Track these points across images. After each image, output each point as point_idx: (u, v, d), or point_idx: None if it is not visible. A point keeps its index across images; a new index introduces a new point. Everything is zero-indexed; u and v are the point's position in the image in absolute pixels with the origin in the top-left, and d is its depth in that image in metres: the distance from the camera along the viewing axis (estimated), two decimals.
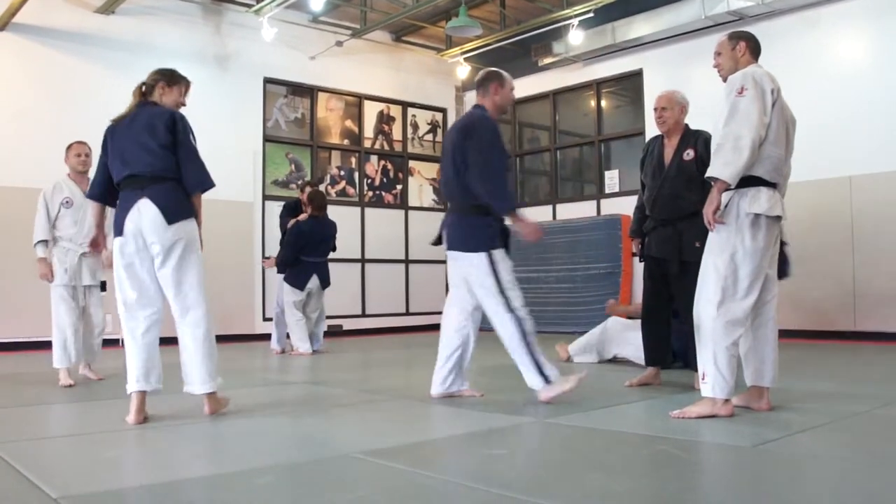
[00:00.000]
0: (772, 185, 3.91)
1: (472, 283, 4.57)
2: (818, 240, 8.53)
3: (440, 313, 4.90)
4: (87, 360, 5.83)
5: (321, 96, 11.61)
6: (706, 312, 3.90)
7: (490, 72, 4.96)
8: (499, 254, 4.51)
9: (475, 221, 4.55)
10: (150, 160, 4.06)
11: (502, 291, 4.47)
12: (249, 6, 10.20)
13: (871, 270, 8.26)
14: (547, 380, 4.39)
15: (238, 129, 10.57)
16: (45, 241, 5.62)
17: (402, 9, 10.56)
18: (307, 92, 11.47)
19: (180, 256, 4.01)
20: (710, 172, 3.84)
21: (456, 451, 3.28)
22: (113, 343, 5.32)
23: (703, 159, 4.78)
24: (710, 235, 3.95)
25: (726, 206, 3.90)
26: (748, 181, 3.85)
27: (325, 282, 8.33)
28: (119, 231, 4.02)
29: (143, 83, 4.39)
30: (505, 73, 4.97)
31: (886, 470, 2.82)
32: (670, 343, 5.26)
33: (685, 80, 10.07)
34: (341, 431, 3.88)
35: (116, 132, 4.18)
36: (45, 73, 9.11)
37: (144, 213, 3.98)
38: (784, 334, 8.67)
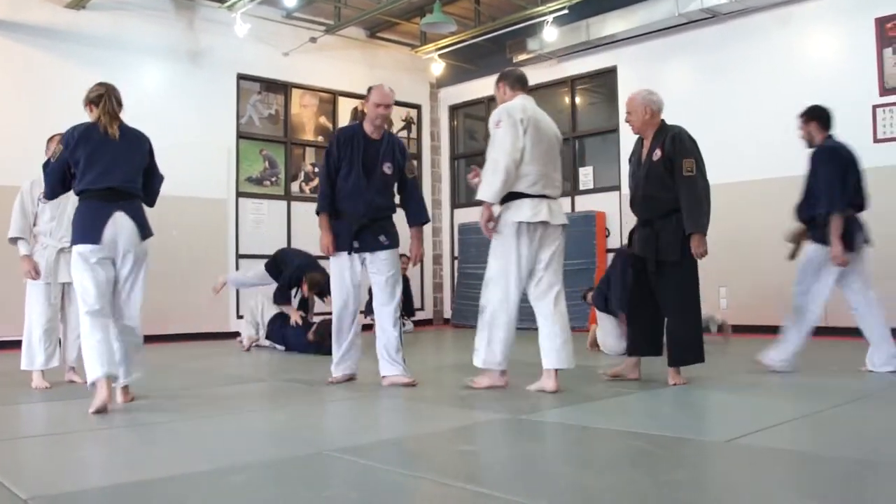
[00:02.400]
0: (537, 196, 4.74)
1: None
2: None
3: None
4: (71, 364, 5.52)
5: (295, 93, 11.55)
6: (491, 305, 4.76)
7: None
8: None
9: None
10: (133, 177, 4.51)
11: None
12: (222, 2, 10.11)
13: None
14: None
15: (211, 126, 10.49)
16: (23, 239, 5.37)
17: (376, 5, 10.53)
18: (281, 88, 11.41)
19: (140, 269, 4.51)
20: (477, 196, 4.73)
21: (430, 448, 3.28)
22: None
23: (671, 157, 4.86)
24: (492, 242, 4.81)
25: (499, 217, 4.75)
26: (512, 196, 4.71)
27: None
28: (97, 239, 4.28)
29: (118, 101, 4.56)
30: (379, 86, 5.26)
31: (856, 465, 2.85)
32: (656, 334, 5.18)
33: (659, 77, 10.14)
34: (315, 429, 3.87)
35: (96, 141, 4.38)
36: (16, 68, 8.98)
37: (123, 225, 4.36)
38: (757, 329, 8.75)
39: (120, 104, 4.55)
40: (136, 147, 4.57)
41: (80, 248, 4.30)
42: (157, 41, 10.08)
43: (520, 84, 4.98)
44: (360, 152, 5.18)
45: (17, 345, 7.89)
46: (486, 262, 4.85)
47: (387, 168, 5.24)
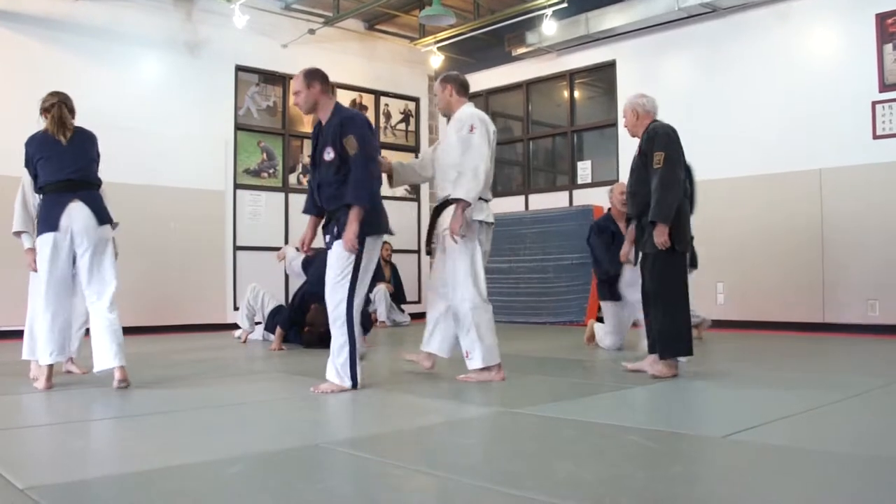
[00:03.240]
0: (486, 200, 5.09)
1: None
2: (788, 232, 8.62)
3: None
4: (70, 354, 5.40)
5: (293, 85, 11.51)
6: (465, 306, 4.93)
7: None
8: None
9: None
10: (86, 167, 4.93)
11: None
12: None
13: (839, 263, 8.35)
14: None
15: (209, 118, 10.47)
16: (26, 232, 5.34)
17: None
18: (279, 80, 11.39)
19: (104, 254, 4.87)
20: (456, 195, 4.91)
21: (425, 441, 3.28)
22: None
23: (646, 152, 5.02)
24: (457, 245, 4.94)
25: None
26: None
27: None
28: (55, 226, 4.73)
29: (70, 108, 5.03)
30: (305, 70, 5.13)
31: (853, 461, 2.86)
32: None
33: (658, 71, 10.15)
34: (311, 421, 3.87)
35: (50, 143, 4.86)
36: (14, 58, 8.95)
37: (78, 212, 4.77)
38: (753, 325, 8.77)
39: (71, 111, 5.00)
40: (89, 142, 5.01)
41: (40, 238, 4.81)
42: (156, 32, 10.05)
43: (465, 91, 5.34)
44: (313, 143, 4.98)
45: (9, 335, 7.94)
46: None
47: (327, 154, 4.72)
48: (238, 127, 10.87)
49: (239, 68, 10.89)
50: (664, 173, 4.91)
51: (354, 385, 4.52)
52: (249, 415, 4.05)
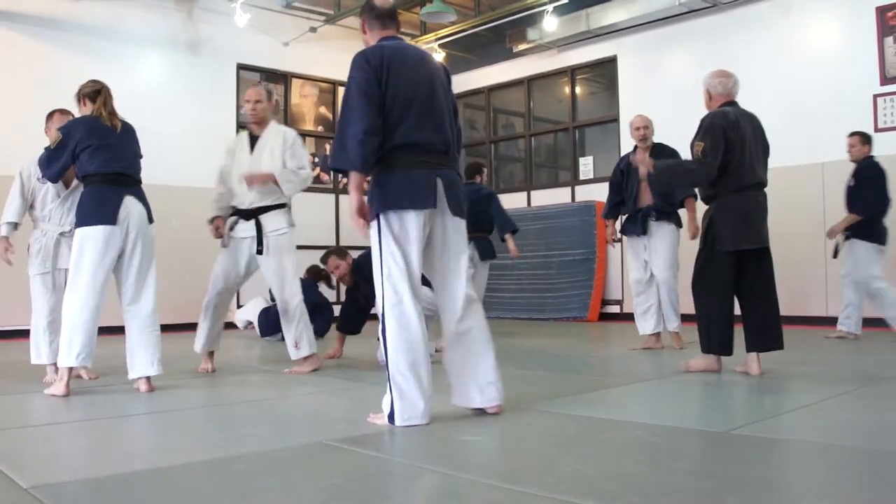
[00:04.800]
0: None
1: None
2: (791, 225, 8.60)
3: None
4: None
5: (295, 83, 11.53)
6: (295, 300, 5.40)
7: None
8: None
9: None
10: (136, 163, 4.76)
11: None
12: None
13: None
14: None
15: (211, 116, 10.48)
16: (14, 224, 5.12)
17: None
18: (281, 78, 11.39)
19: (151, 255, 4.73)
20: None
21: (430, 438, 3.28)
22: (104, 331, 4.87)
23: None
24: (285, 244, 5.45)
25: None
26: None
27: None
28: (112, 220, 4.49)
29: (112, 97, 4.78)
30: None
31: (858, 454, 2.86)
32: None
33: (659, 67, 10.14)
34: (316, 419, 3.87)
35: (103, 130, 4.59)
36: (16, 58, 8.97)
37: (134, 208, 4.59)
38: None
39: (113, 99, 4.77)
40: (133, 137, 4.79)
41: (89, 230, 4.46)
42: (157, 31, 10.06)
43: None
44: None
45: (16, 334, 7.95)
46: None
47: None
48: (240, 125, 10.85)
49: (240, 66, 10.89)
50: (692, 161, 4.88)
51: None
52: (254, 412, 4.05)
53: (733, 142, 4.73)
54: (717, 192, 4.85)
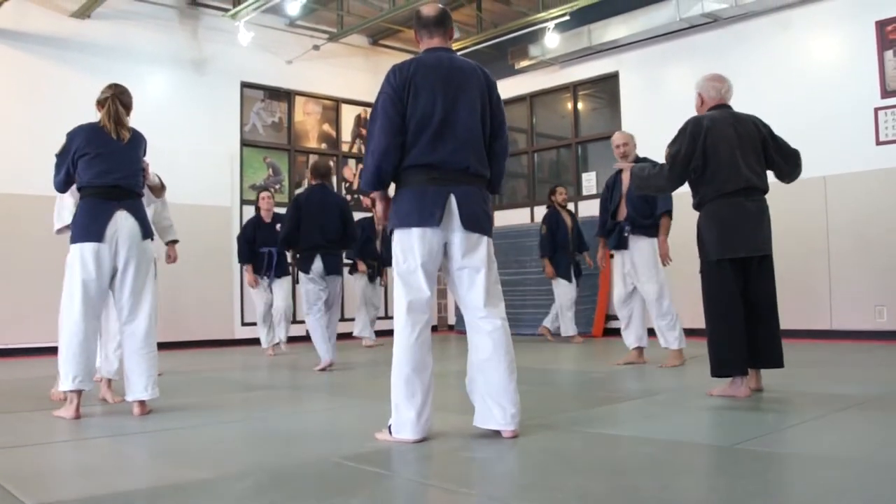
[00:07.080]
0: None
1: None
2: (794, 239, 8.61)
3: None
4: (106, 376, 4.99)
5: (298, 100, 11.58)
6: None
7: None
8: None
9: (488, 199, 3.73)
10: (135, 175, 4.49)
11: None
12: (226, 10, 10.17)
13: (846, 269, 8.34)
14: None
15: (215, 134, 10.54)
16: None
17: (378, 13, 10.56)
18: (284, 96, 11.45)
19: (147, 273, 4.47)
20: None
21: (436, 455, 3.28)
22: None
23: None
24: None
25: None
26: None
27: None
28: (99, 237, 4.28)
29: (124, 104, 4.58)
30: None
31: (864, 468, 2.85)
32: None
33: (660, 82, 10.17)
34: (321, 435, 3.87)
35: (103, 139, 4.40)
36: (21, 77, 9.03)
37: (124, 224, 4.35)
38: None
39: (126, 107, 4.56)
40: (137, 147, 4.57)
41: (76, 247, 4.31)
42: (162, 50, 10.13)
43: None
44: None
45: (38, 352, 7.98)
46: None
47: None
48: (244, 143, 10.93)
49: (244, 84, 10.95)
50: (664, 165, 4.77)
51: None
52: (258, 429, 4.05)
53: (707, 147, 4.58)
54: (700, 201, 4.69)
